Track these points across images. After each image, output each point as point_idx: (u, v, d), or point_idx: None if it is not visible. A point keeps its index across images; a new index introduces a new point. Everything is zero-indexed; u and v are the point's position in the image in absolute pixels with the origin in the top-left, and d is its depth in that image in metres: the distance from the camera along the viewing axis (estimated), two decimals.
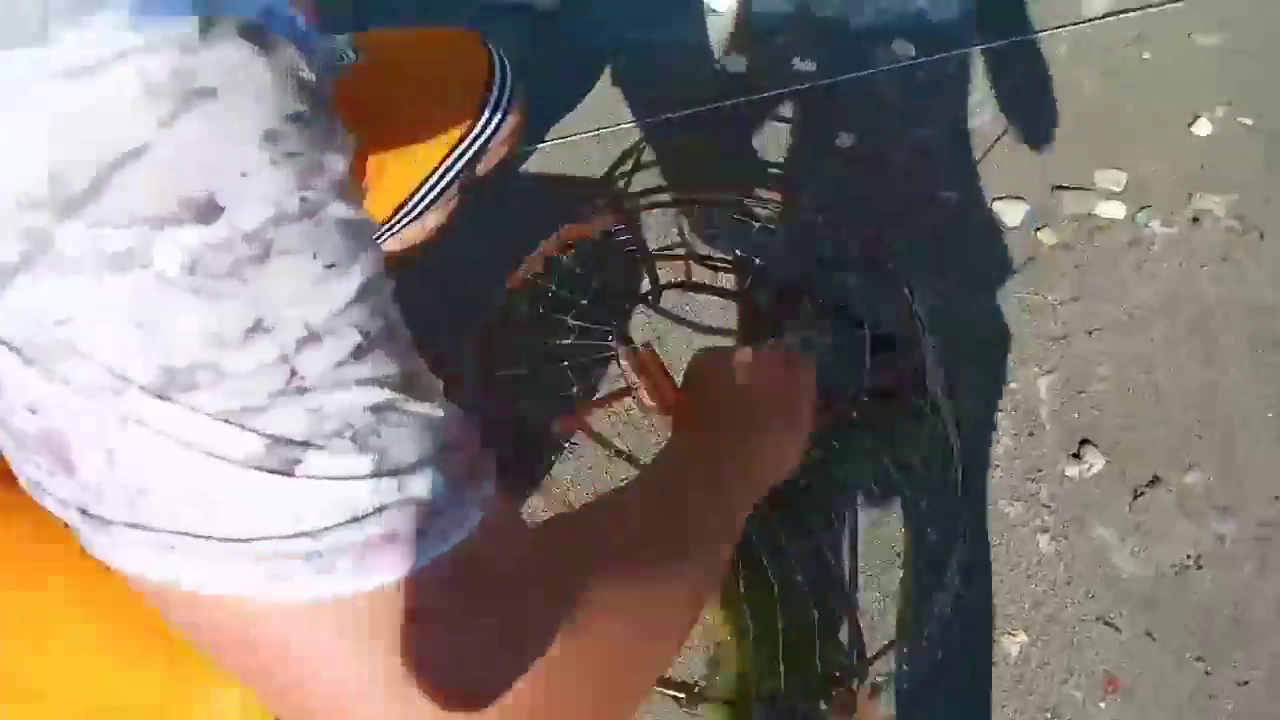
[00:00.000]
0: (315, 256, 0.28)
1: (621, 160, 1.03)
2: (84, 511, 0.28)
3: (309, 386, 0.28)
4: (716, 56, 1.12)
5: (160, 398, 0.26)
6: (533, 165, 1.05)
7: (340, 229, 0.28)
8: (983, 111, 1.10)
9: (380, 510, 0.29)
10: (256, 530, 0.28)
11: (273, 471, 0.28)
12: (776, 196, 0.99)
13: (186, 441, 0.27)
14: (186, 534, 0.28)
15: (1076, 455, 0.93)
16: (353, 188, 0.29)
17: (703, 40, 1.14)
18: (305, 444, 0.28)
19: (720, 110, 1.06)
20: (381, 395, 0.29)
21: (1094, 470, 0.93)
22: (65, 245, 0.24)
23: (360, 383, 0.29)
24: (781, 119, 1.08)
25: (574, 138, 1.05)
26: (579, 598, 0.36)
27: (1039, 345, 0.99)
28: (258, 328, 0.27)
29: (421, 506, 0.30)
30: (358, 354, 0.29)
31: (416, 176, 0.82)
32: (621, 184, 1.00)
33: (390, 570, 0.30)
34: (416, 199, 0.83)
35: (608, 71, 1.11)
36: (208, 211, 0.25)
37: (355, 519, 0.29)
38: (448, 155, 0.82)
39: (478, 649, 0.32)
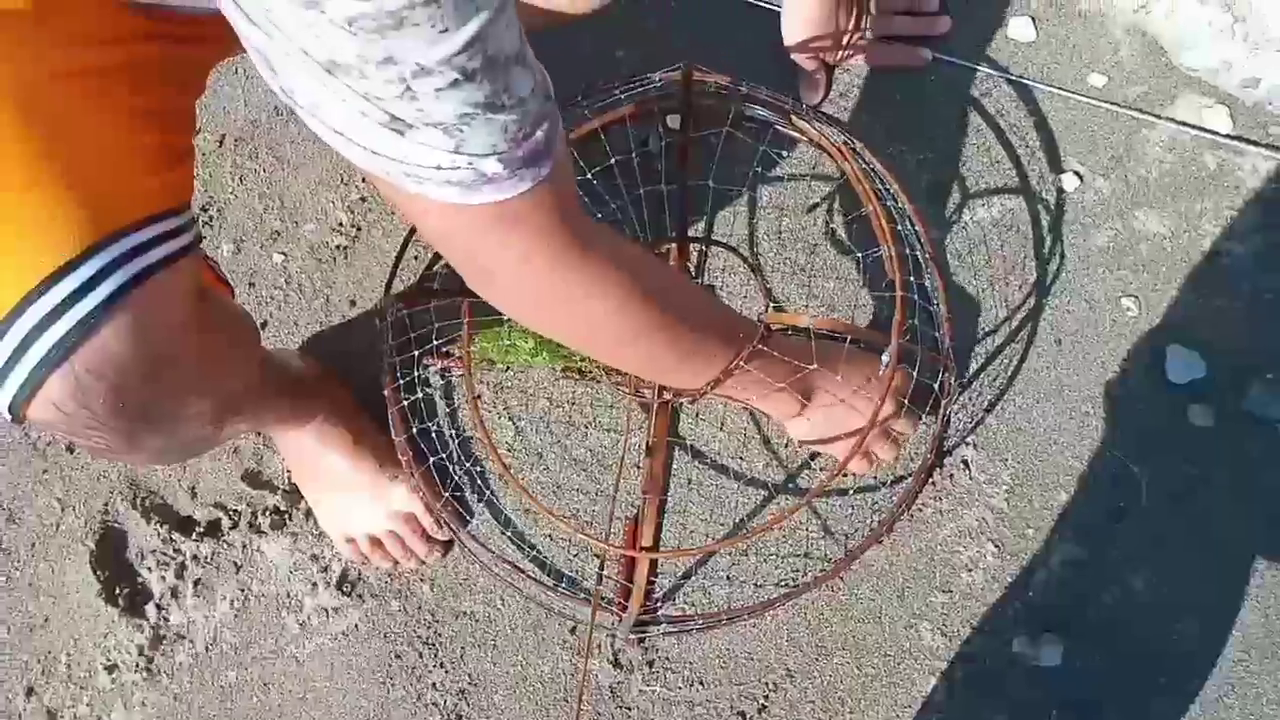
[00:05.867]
0: (433, 25, 0.40)
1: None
2: (287, 95, 0.46)
3: (417, 96, 0.43)
4: None
5: (328, 72, 0.42)
6: None
7: (456, 3, 0.41)
8: None
9: (455, 169, 0.47)
10: (383, 152, 0.47)
11: (392, 130, 0.45)
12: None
13: (342, 98, 0.44)
14: (342, 134, 0.47)
15: None
16: None
17: None
18: (411, 125, 0.45)
19: None
20: (466, 109, 0.45)
21: None
22: None
23: (453, 100, 0.44)
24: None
25: None
26: (623, 262, 0.61)
27: None
28: (388, 60, 0.41)
29: (482, 175, 0.48)
30: (454, 85, 0.43)
31: None
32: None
33: (453, 198, 0.49)
34: None
35: None
36: None
37: (439, 169, 0.47)
38: None
39: (510, 256, 0.56)
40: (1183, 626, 0.93)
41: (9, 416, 0.54)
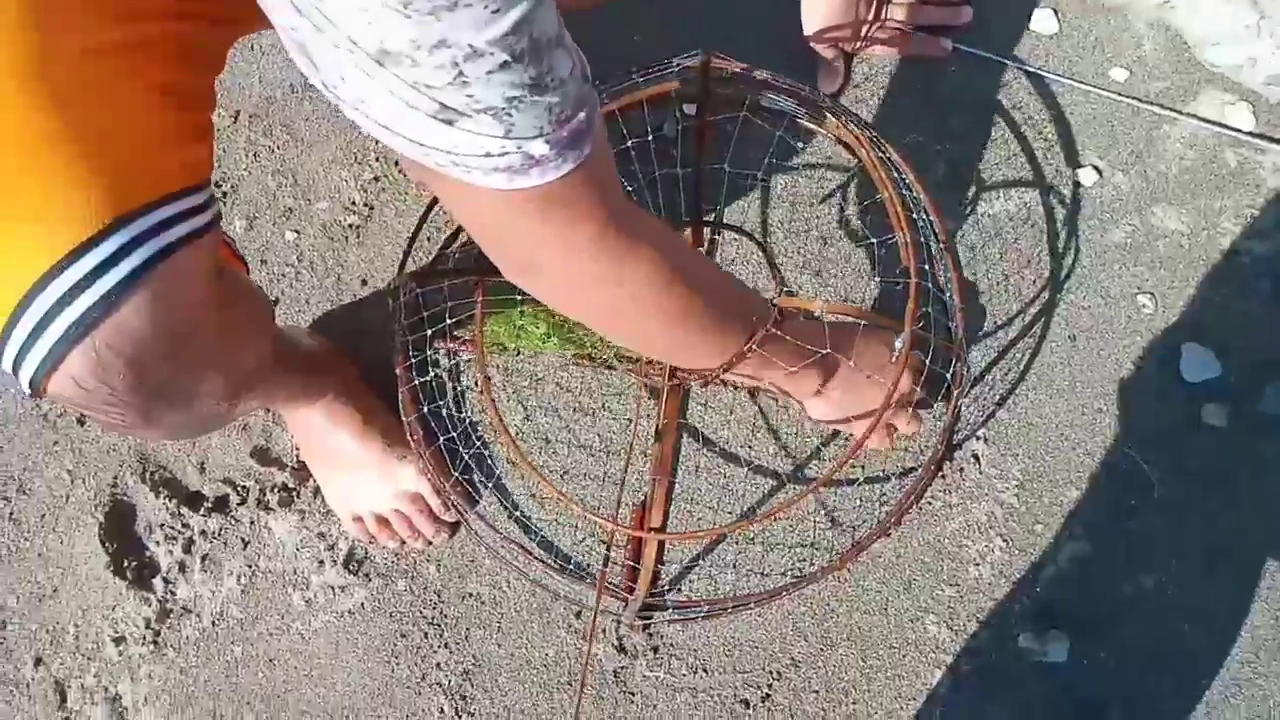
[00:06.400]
0: (486, 6, 0.41)
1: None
2: (329, 89, 0.46)
3: (469, 81, 0.43)
4: None
5: (377, 62, 0.42)
6: None
7: None
8: None
9: (504, 154, 0.47)
10: (430, 143, 0.47)
11: (441, 120, 0.45)
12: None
13: (390, 89, 0.44)
14: (389, 128, 0.46)
15: None
16: None
17: None
18: (461, 112, 0.45)
19: None
20: (515, 92, 0.45)
21: None
22: None
23: (503, 84, 0.44)
24: None
25: None
26: (654, 238, 0.62)
27: None
28: (441, 44, 0.41)
29: (530, 158, 0.48)
30: (504, 67, 0.43)
31: None
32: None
33: (501, 184, 0.49)
34: None
35: None
36: None
37: (488, 155, 0.47)
38: None
39: (550, 241, 0.56)
40: (1191, 626, 0.92)
41: (29, 391, 0.54)
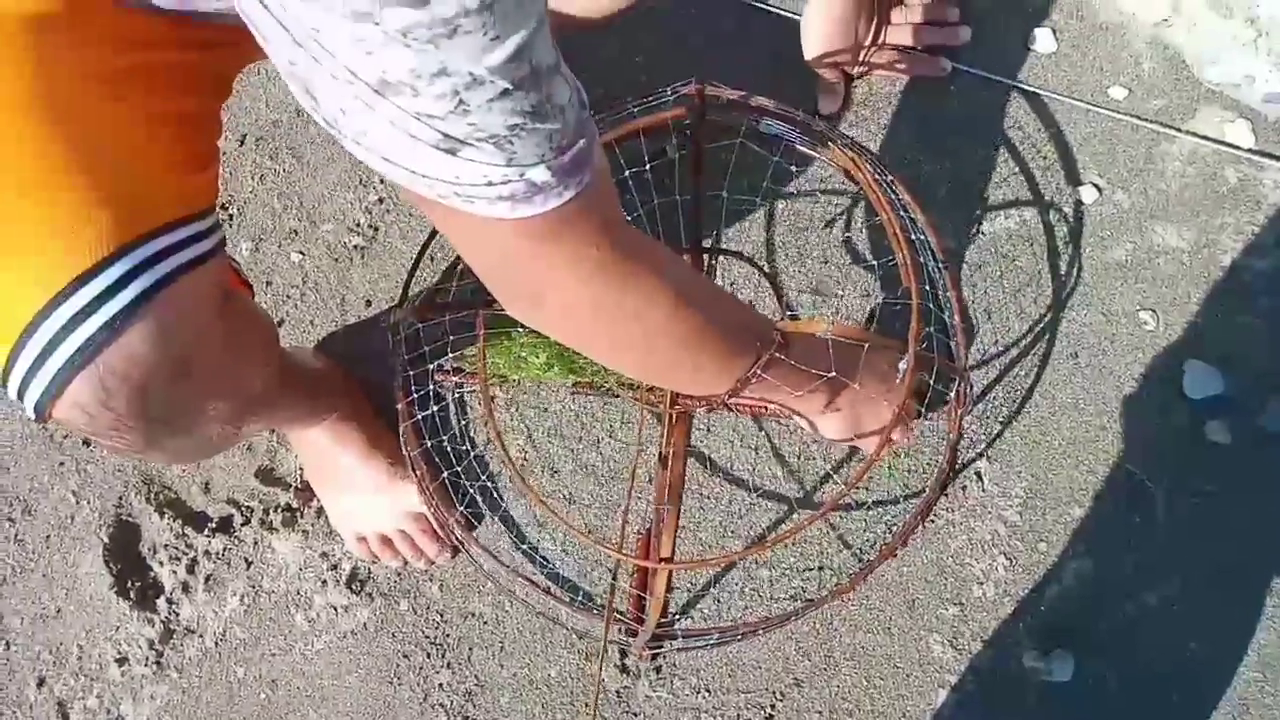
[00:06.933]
0: (485, 34, 0.40)
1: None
2: (330, 125, 0.46)
3: (470, 109, 0.43)
4: None
5: (378, 93, 0.42)
6: None
7: (507, 11, 0.41)
8: None
9: (506, 182, 0.47)
10: (432, 174, 0.46)
11: (443, 150, 0.45)
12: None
13: (391, 120, 0.43)
14: (391, 161, 0.46)
15: None
16: None
17: None
18: (464, 142, 0.45)
19: None
20: (516, 119, 0.45)
21: None
22: None
23: (503, 111, 0.44)
24: None
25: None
26: (652, 264, 0.61)
27: None
28: (441, 72, 0.41)
29: (533, 185, 0.48)
30: (504, 94, 0.43)
31: None
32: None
33: (504, 213, 0.49)
34: None
35: None
36: (419, 2, 0.38)
37: (490, 184, 0.47)
38: None
39: (560, 261, 0.55)
40: (1197, 645, 0.92)
41: (34, 416, 0.55)
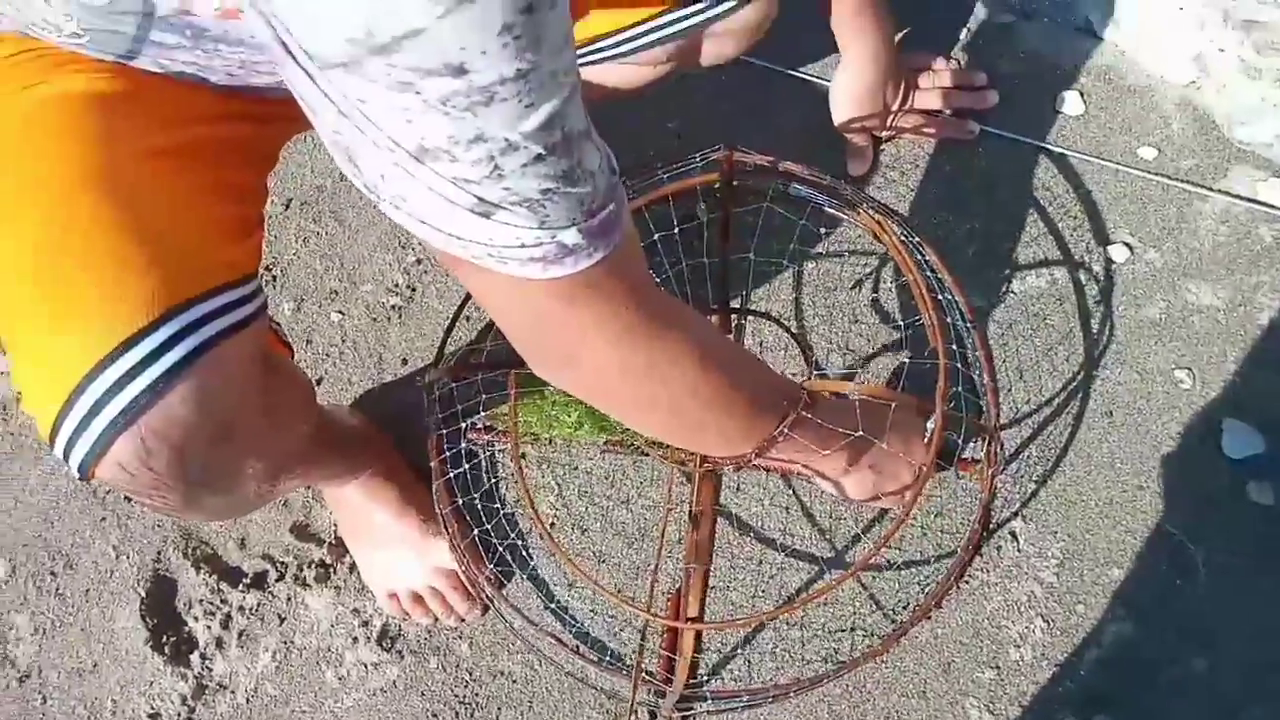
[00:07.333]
0: (520, 101, 0.42)
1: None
2: (371, 190, 0.48)
3: (505, 174, 0.45)
4: None
5: (416, 159, 0.44)
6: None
7: (542, 80, 0.42)
8: None
9: (538, 244, 0.49)
10: (467, 236, 0.48)
11: (478, 214, 0.47)
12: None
13: (429, 185, 0.45)
14: (427, 223, 0.48)
15: None
16: (565, 37, 0.43)
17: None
18: (498, 205, 0.46)
19: None
20: (549, 184, 0.46)
21: None
22: (370, 68, 0.40)
23: (537, 176, 0.46)
24: None
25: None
26: (674, 329, 0.61)
27: None
28: (478, 139, 0.43)
29: (564, 247, 0.50)
30: (538, 159, 0.45)
31: (610, 26, 0.85)
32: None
33: (536, 274, 0.51)
34: (600, 46, 0.86)
35: None
36: (458, 71, 0.40)
37: (523, 246, 0.49)
38: (650, 19, 0.83)
39: (588, 324, 0.56)
40: (1245, 712, 0.89)
41: (78, 475, 0.57)
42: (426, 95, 0.41)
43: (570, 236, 0.49)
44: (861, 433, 0.79)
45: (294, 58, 0.41)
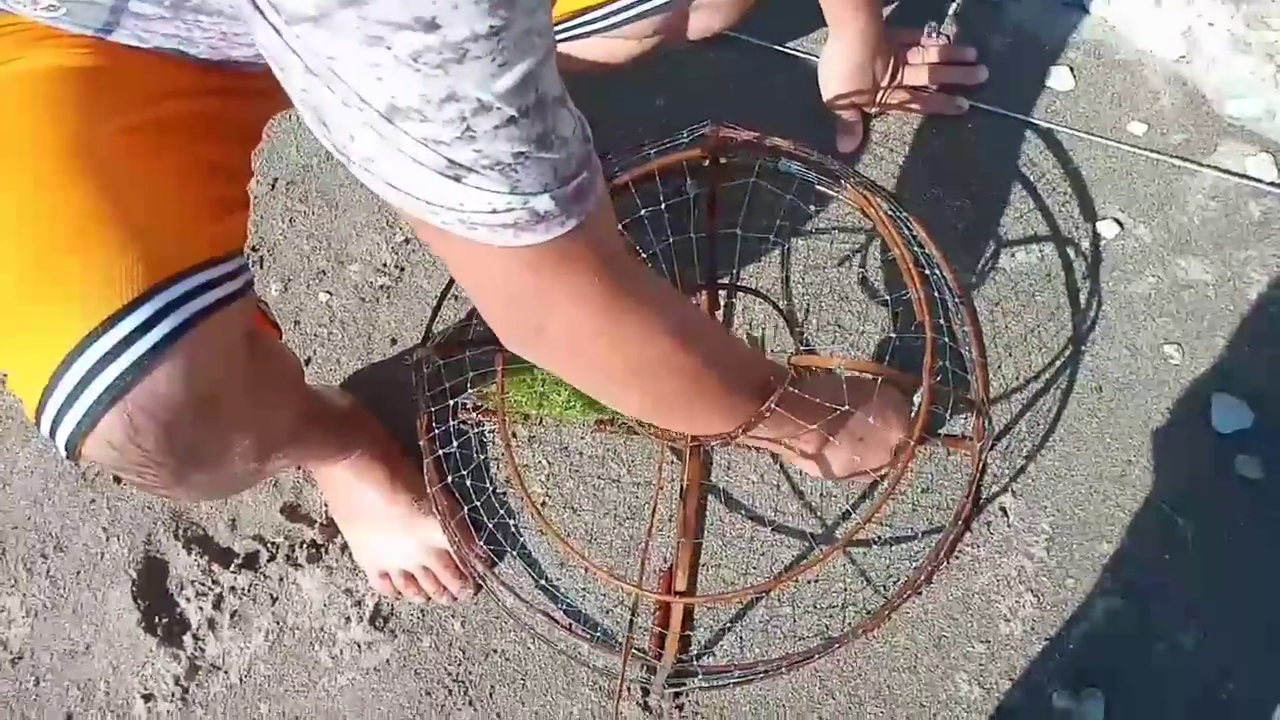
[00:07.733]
0: (493, 60, 0.41)
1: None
2: (339, 151, 0.46)
3: (476, 136, 0.44)
4: None
5: (387, 119, 0.43)
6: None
7: (515, 39, 0.41)
8: None
9: (509, 210, 0.47)
10: (438, 201, 0.46)
11: (449, 177, 0.45)
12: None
13: (399, 146, 0.44)
14: (396, 187, 0.47)
15: None
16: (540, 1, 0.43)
17: None
18: (469, 169, 0.45)
19: None
20: (521, 147, 0.45)
21: None
22: (342, 20, 0.39)
23: (509, 139, 0.45)
24: None
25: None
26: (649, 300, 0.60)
27: None
28: (450, 98, 0.42)
29: (536, 214, 0.48)
30: (510, 121, 0.44)
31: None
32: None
33: (507, 241, 0.49)
34: (584, 19, 0.85)
35: None
36: (430, 26, 0.39)
37: (494, 212, 0.47)
38: None
39: (559, 295, 0.55)
40: (1233, 685, 0.89)
41: (65, 454, 0.56)
42: (397, 50, 0.40)
43: (543, 203, 0.48)
44: (848, 407, 0.79)
45: (262, 13, 0.41)
